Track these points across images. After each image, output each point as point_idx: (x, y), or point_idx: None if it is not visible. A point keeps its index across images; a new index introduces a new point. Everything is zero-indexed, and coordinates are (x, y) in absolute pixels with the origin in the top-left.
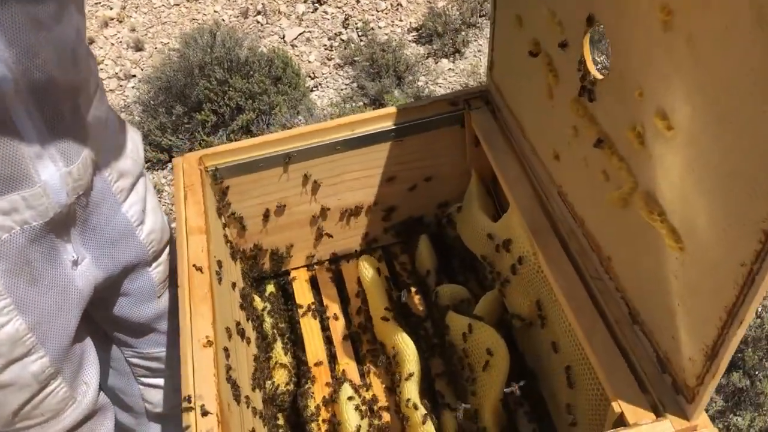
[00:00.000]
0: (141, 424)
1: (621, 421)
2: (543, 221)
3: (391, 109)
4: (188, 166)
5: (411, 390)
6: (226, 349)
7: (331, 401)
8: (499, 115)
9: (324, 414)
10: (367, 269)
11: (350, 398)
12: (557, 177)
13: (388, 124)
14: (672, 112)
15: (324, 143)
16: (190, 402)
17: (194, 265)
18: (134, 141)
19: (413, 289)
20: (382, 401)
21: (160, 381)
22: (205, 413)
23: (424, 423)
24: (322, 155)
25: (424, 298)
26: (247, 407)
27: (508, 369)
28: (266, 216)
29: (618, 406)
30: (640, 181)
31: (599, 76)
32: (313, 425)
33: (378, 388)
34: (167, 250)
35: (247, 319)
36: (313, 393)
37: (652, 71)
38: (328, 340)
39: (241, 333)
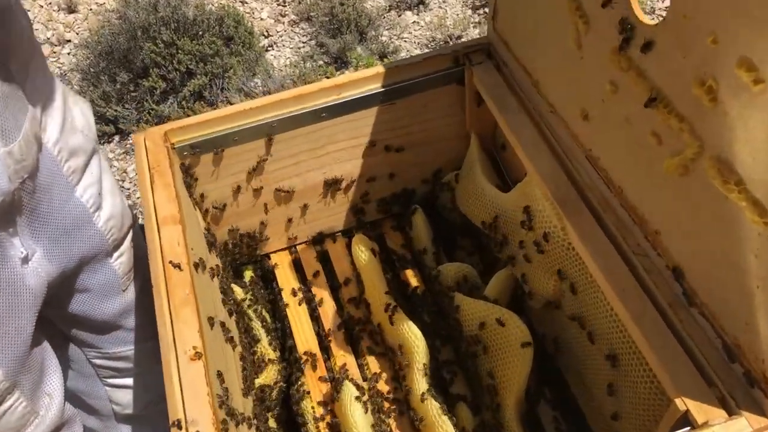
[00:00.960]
0: (109, 428)
1: (686, 420)
2: (569, 190)
3: (380, 68)
4: (152, 144)
5: (423, 383)
6: (219, 373)
7: (331, 401)
8: (505, 70)
9: (322, 414)
10: (362, 251)
11: (357, 398)
12: (586, 139)
13: (377, 86)
14: (763, 62)
15: (307, 110)
16: (180, 428)
17: (171, 262)
18: (84, 113)
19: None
20: (388, 397)
21: (128, 381)
22: None
23: (443, 416)
24: (304, 124)
25: (421, 277)
26: (242, 423)
27: (532, 360)
28: (242, 196)
29: (682, 403)
30: (708, 144)
31: (650, 22)
32: (310, 427)
33: (382, 382)
34: (130, 236)
35: (230, 315)
36: (308, 391)
37: (732, 11)
38: (319, 330)
39: (227, 333)
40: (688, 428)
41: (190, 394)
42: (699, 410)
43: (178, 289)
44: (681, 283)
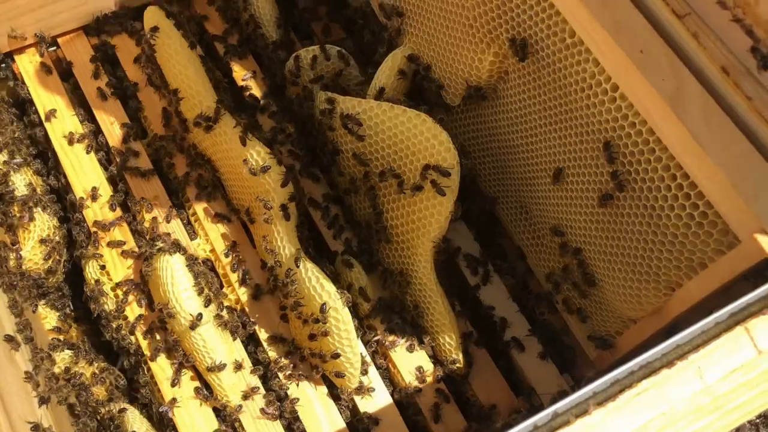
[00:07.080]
0: None
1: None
2: None
3: None
4: None
5: (283, 235)
6: None
7: (140, 283)
8: None
9: (131, 298)
10: (167, 36)
11: (182, 267)
12: None
13: None
14: None
15: None
16: None
17: None
18: None
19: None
20: (224, 258)
21: None
22: None
23: (320, 280)
24: None
25: (269, 75)
26: None
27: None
28: None
29: (757, 239)
30: None
31: None
32: (118, 323)
33: (217, 237)
34: None
35: None
36: (103, 265)
37: None
38: (108, 167)
39: None
40: None
41: None
42: None
43: None
44: (753, 34)
